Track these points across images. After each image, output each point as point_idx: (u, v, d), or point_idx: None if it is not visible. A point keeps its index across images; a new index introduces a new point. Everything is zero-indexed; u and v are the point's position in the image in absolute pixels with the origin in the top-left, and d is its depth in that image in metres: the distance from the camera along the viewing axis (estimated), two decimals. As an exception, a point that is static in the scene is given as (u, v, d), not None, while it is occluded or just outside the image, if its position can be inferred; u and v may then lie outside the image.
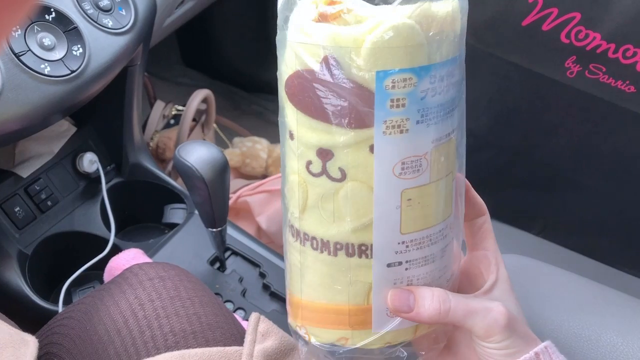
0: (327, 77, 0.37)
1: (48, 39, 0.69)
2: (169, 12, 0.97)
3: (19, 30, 0.67)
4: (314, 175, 0.40)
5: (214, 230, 0.83)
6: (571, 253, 0.91)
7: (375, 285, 0.41)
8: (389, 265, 0.41)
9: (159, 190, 0.97)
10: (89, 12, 0.74)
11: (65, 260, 0.86)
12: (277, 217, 1.07)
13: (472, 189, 0.47)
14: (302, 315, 0.44)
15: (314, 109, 0.38)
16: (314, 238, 0.41)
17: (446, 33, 0.38)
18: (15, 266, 0.82)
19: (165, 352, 0.54)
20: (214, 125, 1.35)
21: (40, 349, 0.54)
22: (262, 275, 0.89)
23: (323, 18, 0.37)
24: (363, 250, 0.40)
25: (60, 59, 0.70)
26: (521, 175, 0.92)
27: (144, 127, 1.23)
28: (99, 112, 0.93)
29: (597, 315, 0.62)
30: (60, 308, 0.80)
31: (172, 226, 0.94)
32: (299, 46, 0.38)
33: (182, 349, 0.54)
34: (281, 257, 0.92)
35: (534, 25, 0.76)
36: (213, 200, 0.78)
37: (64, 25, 0.71)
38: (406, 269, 0.41)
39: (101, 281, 0.84)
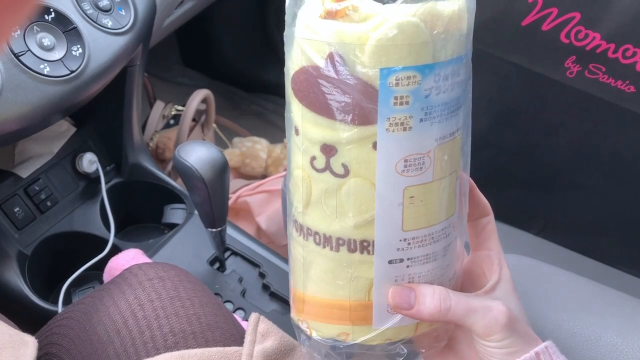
0: (332, 74, 0.38)
1: (47, 39, 0.69)
2: (168, 12, 0.97)
3: (19, 30, 0.67)
4: (317, 170, 0.40)
5: (214, 230, 0.83)
6: (571, 253, 0.91)
7: (376, 282, 0.41)
8: (390, 262, 0.41)
9: (159, 190, 0.97)
10: (88, 12, 0.74)
11: (64, 261, 0.86)
12: (276, 217, 1.07)
13: (477, 188, 0.47)
14: (304, 309, 0.44)
15: (318, 105, 0.39)
16: (316, 233, 0.41)
17: (451, 32, 0.39)
18: (14, 266, 0.81)
19: (164, 352, 0.54)
20: (214, 125, 1.35)
21: (39, 349, 0.54)
22: (262, 275, 0.89)
23: (329, 15, 0.38)
24: (365, 247, 0.41)
25: (60, 59, 0.70)
26: (521, 175, 0.92)
27: (143, 127, 1.23)
28: (99, 113, 0.93)
29: (596, 315, 0.62)
30: (59, 308, 0.80)
31: (172, 226, 0.94)
32: (305, 42, 0.39)
33: (182, 350, 0.54)
34: (281, 257, 0.92)
35: (533, 25, 0.76)
36: (213, 201, 0.78)
37: (63, 26, 0.71)
38: (407, 266, 0.41)
39: (101, 281, 0.84)
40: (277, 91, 1.60)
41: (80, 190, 0.92)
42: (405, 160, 0.39)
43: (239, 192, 1.13)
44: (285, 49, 0.41)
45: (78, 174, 0.92)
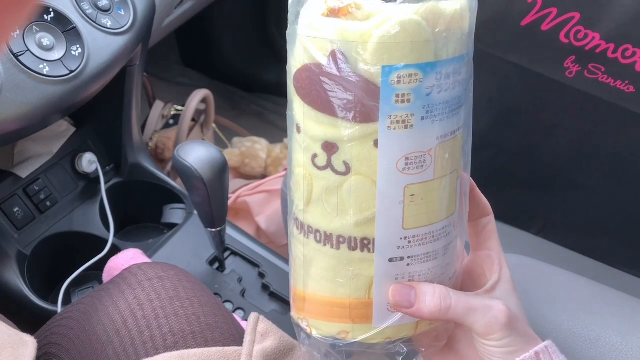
0: (334, 71, 0.38)
1: (47, 39, 0.69)
2: (168, 12, 0.97)
3: (18, 30, 0.67)
4: (319, 168, 0.40)
5: (213, 230, 0.83)
6: (570, 253, 0.91)
7: (376, 280, 0.41)
8: (390, 260, 0.41)
9: (158, 190, 0.97)
10: (87, 12, 0.74)
11: (64, 261, 0.86)
12: (276, 217, 1.07)
13: (477, 188, 0.47)
14: (304, 308, 0.44)
15: (320, 103, 0.39)
16: (317, 231, 0.41)
17: (453, 31, 0.39)
18: (14, 266, 0.81)
19: (164, 352, 0.54)
20: (213, 125, 1.35)
21: (39, 349, 0.54)
22: (262, 275, 0.89)
23: (332, 13, 0.38)
24: (365, 244, 0.41)
25: (59, 59, 0.69)
26: (520, 175, 0.92)
27: (143, 127, 1.23)
28: (98, 113, 0.93)
29: (596, 315, 0.62)
30: (59, 308, 0.79)
31: (171, 226, 0.94)
32: (308, 40, 0.39)
33: (181, 350, 0.54)
34: (281, 257, 0.92)
35: (533, 25, 0.76)
36: (212, 201, 0.78)
37: (62, 26, 0.71)
38: (408, 264, 0.41)
39: (100, 281, 0.84)
40: (276, 91, 1.60)
41: (79, 190, 0.92)
42: (407, 158, 0.39)
43: (238, 192, 1.13)
44: (288, 47, 0.41)
45: (77, 174, 0.92)
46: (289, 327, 0.48)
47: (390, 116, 0.38)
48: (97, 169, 0.91)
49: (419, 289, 0.41)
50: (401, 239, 0.40)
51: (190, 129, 1.25)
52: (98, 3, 0.75)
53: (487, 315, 0.41)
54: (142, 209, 0.98)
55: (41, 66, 0.67)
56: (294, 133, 0.42)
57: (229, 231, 0.91)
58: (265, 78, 1.61)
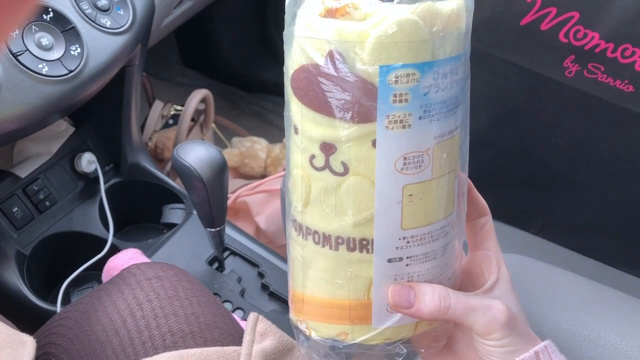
0: (332, 71, 0.38)
1: (46, 38, 0.69)
2: (167, 12, 0.97)
3: (17, 30, 0.67)
4: (317, 169, 0.40)
5: (213, 230, 0.83)
6: (570, 252, 0.91)
7: (375, 281, 0.41)
8: (389, 261, 0.41)
9: (158, 190, 0.97)
10: (87, 11, 0.74)
11: (63, 261, 0.86)
12: (275, 217, 1.07)
13: (475, 189, 0.47)
14: (303, 309, 0.44)
15: (318, 103, 0.39)
16: (315, 232, 0.41)
17: (450, 30, 0.39)
18: (13, 266, 0.81)
19: (163, 352, 0.54)
20: (213, 125, 1.35)
21: (38, 349, 0.54)
22: (261, 275, 0.89)
23: (329, 13, 0.38)
24: (364, 245, 0.41)
25: (58, 58, 0.69)
26: (520, 174, 0.92)
27: (142, 127, 1.23)
28: (98, 112, 0.93)
29: (595, 314, 0.62)
30: (58, 308, 0.79)
31: (171, 226, 0.94)
32: (305, 41, 0.39)
33: (180, 349, 0.54)
34: (280, 257, 0.92)
35: (532, 25, 0.76)
36: (211, 200, 0.78)
37: (61, 25, 0.71)
38: (407, 264, 0.41)
39: (99, 281, 0.84)
40: (276, 91, 1.60)
41: (79, 190, 0.92)
42: (405, 158, 0.39)
43: (238, 191, 1.13)
44: (285, 48, 0.41)
45: (77, 174, 0.92)
46: (289, 326, 0.48)
47: (388, 116, 0.38)
48: (96, 169, 0.91)
49: (418, 289, 0.41)
50: (400, 239, 0.40)
51: (190, 129, 1.25)
52: (97, 3, 0.75)
53: (486, 315, 0.41)
54: (142, 209, 0.98)
55: (40, 66, 0.67)
56: (292, 134, 0.42)
57: (229, 231, 0.91)
58: (265, 78, 1.61)
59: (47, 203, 0.88)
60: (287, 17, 0.40)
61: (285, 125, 0.42)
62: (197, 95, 1.23)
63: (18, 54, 0.66)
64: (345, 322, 0.42)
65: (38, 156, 0.89)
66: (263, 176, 1.30)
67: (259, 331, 0.55)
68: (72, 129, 0.93)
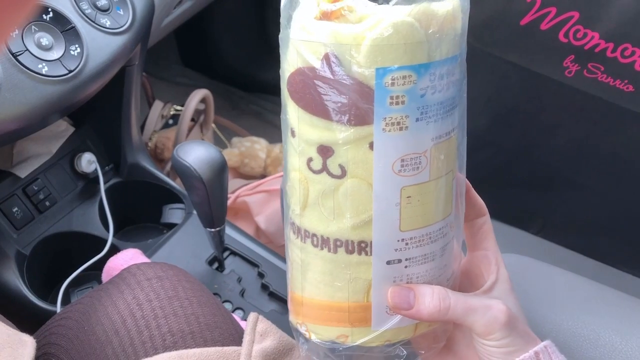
0: (328, 74, 0.38)
1: (45, 38, 0.69)
2: (167, 12, 0.97)
3: (17, 30, 0.67)
4: (314, 172, 0.40)
5: (213, 230, 0.83)
6: (569, 252, 0.91)
7: (374, 283, 0.41)
8: (388, 263, 0.41)
9: (158, 190, 0.97)
10: (86, 11, 0.74)
11: (63, 261, 0.86)
12: (275, 217, 1.07)
13: (473, 189, 0.47)
14: (302, 312, 0.44)
15: (314, 106, 0.39)
16: (314, 235, 0.41)
17: (446, 31, 0.39)
18: (13, 266, 0.81)
19: (163, 352, 0.54)
20: (213, 125, 1.35)
21: (38, 349, 0.54)
22: (261, 275, 0.89)
23: (325, 16, 0.38)
24: (363, 247, 0.40)
25: (58, 58, 0.69)
26: (520, 174, 0.92)
27: (142, 127, 1.23)
28: (97, 112, 0.93)
29: (595, 314, 0.62)
30: (58, 308, 0.79)
31: (171, 226, 0.94)
32: (301, 44, 0.39)
33: (180, 349, 0.54)
34: (280, 257, 0.92)
35: (532, 25, 0.76)
36: (211, 200, 0.78)
37: (61, 25, 0.71)
38: (406, 266, 0.41)
39: (99, 281, 0.84)
40: (276, 91, 1.59)
41: (78, 190, 0.92)
42: (402, 160, 0.39)
43: (237, 191, 1.13)
44: (281, 51, 0.41)
45: (77, 174, 0.92)
46: (289, 326, 0.48)
47: (385, 118, 0.38)
48: (96, 169, 0.91)
49: (418, 291, 0.41)
50: (398, 241, 0.40)
51: (190, 129, 1.25)
52: (97, 3, 0.75)
53: (486, 315, 0.41)
54: (142, 209, 0.98)
55: (40, 66, 0.67)
56: (289, 137, 0.41)
57: (228, 231, 0.91)
58: (265, 78, 1.61)
59: (47, 203, 0.88)
60: (282, 20, 0.40)
61: (282, 128, 0.42)
62: (197, 95, 1.23)
63: (18, 54, 0.66)
64: (344, 324, 0.42)
65: (38, 156, 0.89)
66: (263, 176, 1.30)
67: (259, 331, 0.55)
68: (72, 129, 0.93)
